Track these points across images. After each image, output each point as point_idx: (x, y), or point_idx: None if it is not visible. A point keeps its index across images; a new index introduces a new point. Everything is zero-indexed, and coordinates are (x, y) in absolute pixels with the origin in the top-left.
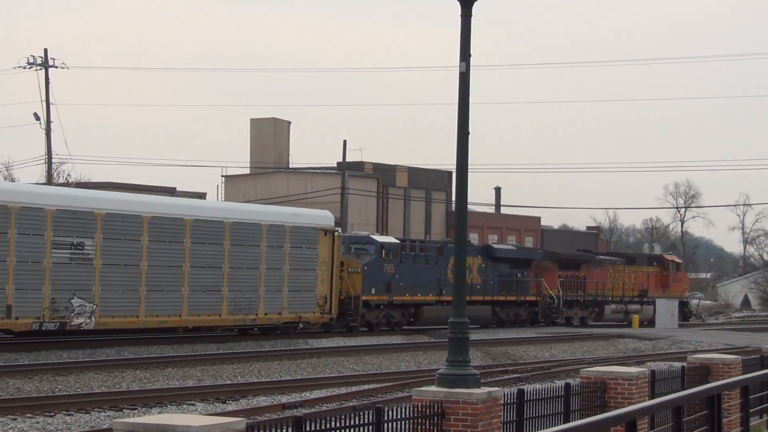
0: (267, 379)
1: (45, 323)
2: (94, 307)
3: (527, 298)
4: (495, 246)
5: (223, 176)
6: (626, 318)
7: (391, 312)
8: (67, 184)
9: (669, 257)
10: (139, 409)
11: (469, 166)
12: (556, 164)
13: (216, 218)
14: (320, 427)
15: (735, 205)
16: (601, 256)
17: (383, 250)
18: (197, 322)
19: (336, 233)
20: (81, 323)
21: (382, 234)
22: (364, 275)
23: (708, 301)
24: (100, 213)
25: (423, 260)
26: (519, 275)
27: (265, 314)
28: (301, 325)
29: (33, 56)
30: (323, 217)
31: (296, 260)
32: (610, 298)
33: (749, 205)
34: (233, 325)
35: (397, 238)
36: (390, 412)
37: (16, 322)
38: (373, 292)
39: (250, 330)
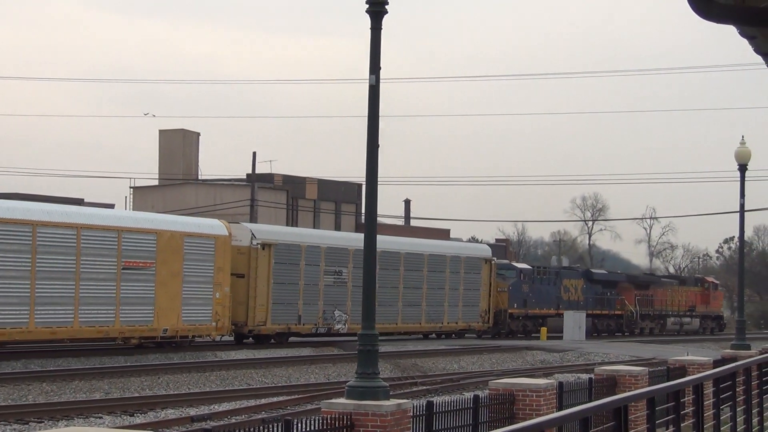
0: (175, 392)
1: (319, 328)
2: (347, 317)
3: (614, 312)
4: (593, 271)
5: (131, 187)
6: (681, 329)
7: (526, 322)
8: None
9: (709, 279)
10: (45, 422)
11: (378, 179)
12: (464, 177)
13: (418, 252)
14: None
15: (642, 219)
16: (663, 279)
17: (521, 274)
18: (406, 328)
19: (492, 261)
20: (339, 328)
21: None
22: (509, 293)
23: None
24: (351, 249)
25: (546, 282)
26: (609, 294)
27: (447, 323)
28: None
29: None
30: (485, 249)
31: (467, 282)
32: (670, 313)
33: (655, 218)
34: (428, 330)
35: (529, 264)
36: (299, 425)
37: (303, 326)
38: (515, 306)
39: (431, 334)
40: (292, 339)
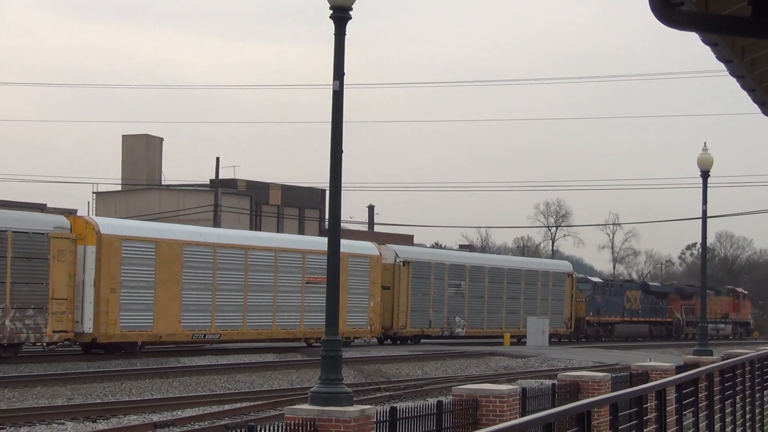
0: (138, 398)
1: (444, 331)
2: (465, 322)
3: (666, 320)
4: (649, 283)
5: (94, 193)
6: (717, 334)
7: (599, 328)
8: None
9: (739, 290)
10: (7, 428)
11: (342, 185)
12: (429, 183)
13: (517, 268)
14: None
15: (605, 225)
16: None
17: (596, 287)
18: (497, 332)
19: (573, 275)
20: (459, 332)
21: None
22: (586, 303)
23: None
24: (468, 265)
25: (613, 293)
26: (661, 303)
27: None
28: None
29: None
30: (567, 265)
31: (554, 294)
32: (708, 320)
33: (618, 224)
34: (524, 335)
35: (600, 278)
36: (263, 431)
37: (432, 330)
38: (590, 314)
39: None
40: (423, 341)
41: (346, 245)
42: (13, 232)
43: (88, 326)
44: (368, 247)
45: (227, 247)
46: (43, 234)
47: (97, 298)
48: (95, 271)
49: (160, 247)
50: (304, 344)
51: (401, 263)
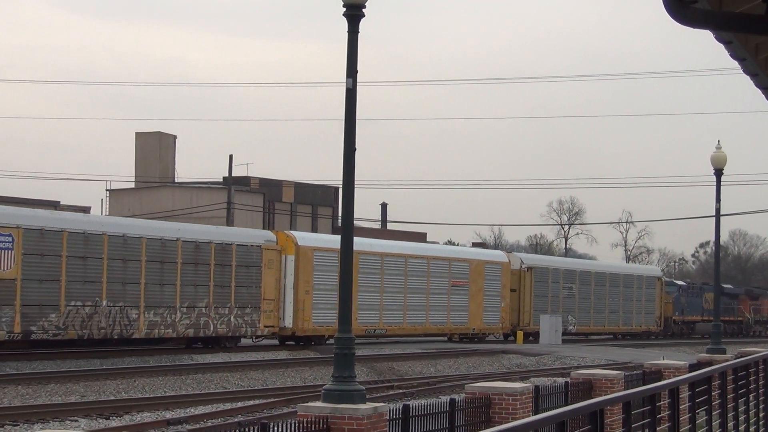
0: (151, 395)
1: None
2: (575, 320)
3: (737, 319)
4: (723, 285)
5: (107, 190)
6: None
7: (683, 326)
8: None
9: None
10: (21, 425)
11: (355, 182)
12: (441, 180)
13: (616, 272)
14: None
15: (618, 223)
16: None
17: (680, 289)
18: (610, 330)
19: (662, 279)
20: (570, 329)
21: None
22: (673, 304)
23: None
24: (578, 270)
25: (694, 295)
26: (732, 304)
27: (634, 326)
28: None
29: None
30: (658, 270)
31: (647, 296)
32: None
33: (631, 222)
34: (622, 332)
35: (683, 281)
36: (275, 428)
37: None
38: (676, 314)
39: (618, 335)
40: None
41: (482, 254)
42: (237, 245)
43: (288, 322)
44: (499, 255)
45: (391, 256)
46: (257, 246)
47: (295, 298)
48: (294, 276)
49: None
50: (446, 339)
51: (525, 269)
